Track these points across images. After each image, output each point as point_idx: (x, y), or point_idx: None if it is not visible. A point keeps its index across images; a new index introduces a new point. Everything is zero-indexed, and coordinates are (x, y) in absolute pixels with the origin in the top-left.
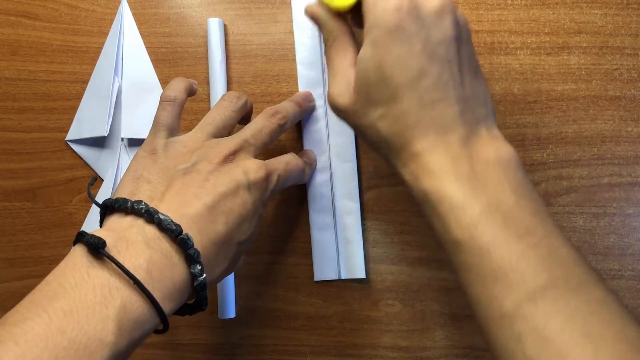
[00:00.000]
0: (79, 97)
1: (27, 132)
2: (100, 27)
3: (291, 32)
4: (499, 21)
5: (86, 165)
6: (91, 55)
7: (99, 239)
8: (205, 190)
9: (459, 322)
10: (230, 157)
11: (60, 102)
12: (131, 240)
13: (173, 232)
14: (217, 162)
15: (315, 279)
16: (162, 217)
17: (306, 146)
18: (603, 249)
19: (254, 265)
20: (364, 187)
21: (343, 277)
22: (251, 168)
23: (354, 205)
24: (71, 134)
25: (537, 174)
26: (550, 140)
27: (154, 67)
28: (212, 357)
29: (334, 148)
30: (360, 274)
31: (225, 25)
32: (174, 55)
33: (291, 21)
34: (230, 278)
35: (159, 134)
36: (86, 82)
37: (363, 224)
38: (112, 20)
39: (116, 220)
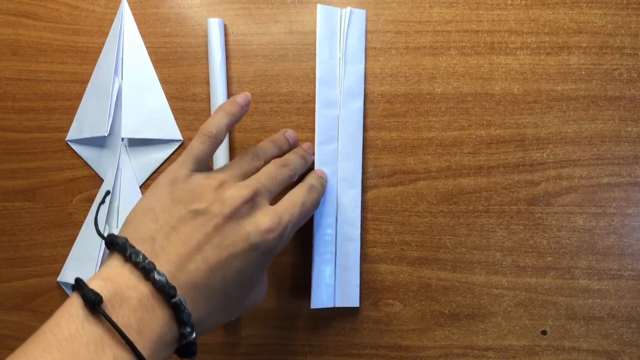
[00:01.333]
0: (79, 97)
1: (28, 132)
2: (101, 27)
3: (291, 32)
4: (499, 21)
5: (86, 165)
6: (91, 55)
7: (97, 294)
8: (211, 244)
9: (459, 322)
10: (246, 204)
11: (60, 102)
12: (126, 297)
13: (166, 295)
14: (232, 208)
15: (312, 307)
16: (157, 277)
17: (318, 166)
18: (603, 248)
19: None
20: (363, 187)
21: (338, 304)
22: (265, 225)
23: (355, 232)
24: (71, 134)
25: (537, 174)
26: (550, 140)
27: (154, 67)
28: (212, 357)
29: (342, 172)
30: (355, 302)
31: (225, 25)
32: (174, 55)
33: (291, 22)
34: None
35: (186, 165)
36: (86, 82)
37: (362, 242)
38: (112, 20)
39: (115, 267)
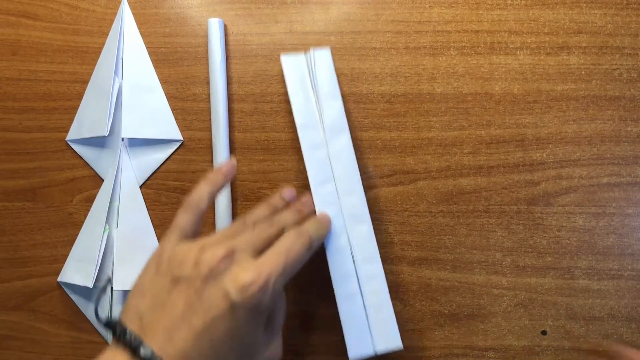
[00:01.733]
0: (79, 97)
1: (28, 132)
2: (101, 27)
3: (291, 32)
4: (498, 21)
5: (86, 165)
6: (91, 56)
7: None
8: (194, 310)
9: (459, 322)
10: (223, 262)
11: (60, 102)
12: None
13: None
14: (208, 269)
15: (351, 357)
16: (142, 352)
17: (319, 209)
18: (602, 248)
19: None
20: (363, 186)
21: (378, 350)
22: (243, 280)
23: (377, 267)
24: (72, 134)
25: (537, 174)
26: (550, 140)
27: (154, 67)
28: None
29: (346, 209)
30: (396, 342)
31: (225, 25)
32: (174, 55)
33: (291, 22)
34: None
35: (171, 237)
36: (86, 82)
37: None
38: (112, 21)
39: (111, 349)
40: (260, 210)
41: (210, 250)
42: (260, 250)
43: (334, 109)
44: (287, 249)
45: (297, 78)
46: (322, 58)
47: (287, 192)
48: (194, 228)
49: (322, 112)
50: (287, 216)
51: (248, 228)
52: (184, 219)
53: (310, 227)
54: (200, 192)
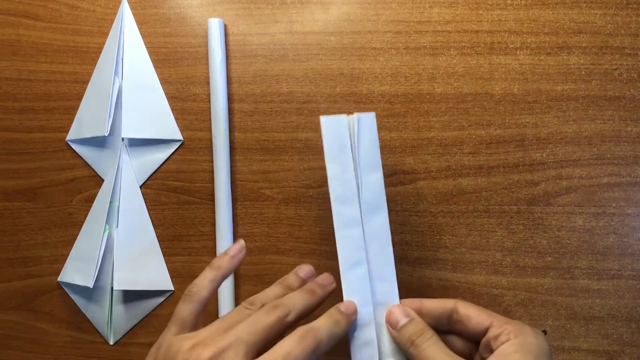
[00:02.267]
0: (79, 97)
1: (28, 132)
2: (101, 27)
3: (291, 32)
4: (498, 21)
5: (86, 165)
6: (91, 56)
7: None
8: None
9: None
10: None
11: (60, 102)
12: None
13: None
14: None
15: None
16: None
17: (347, 296)
18: (602, 248)
19: (254, 265)
20: None
21: None
22: None
23: None
24: (72, 134)
25: (537, 174)
26: (550, 140)
27: (154, 67)
28: None
29: (378, 297)
30: None
31: (225, 25)
32: (174, 55)
33: (291, 22)
34: (230, 278)
35: (170, 328)
36: (87, 82)
37: None
38: (112, 21)
39: None
40: (271, 291)
41: (199, 349)
42: (257, 347)
43: (375, 183)
44: (285, 353)
45: (336, 143)
46: (367, 124)
47: (304, 269)
48: (194, 318)
49: (361, 186)
50: (296, 299)
51: (252, 313)
52: (183, 309)
53: (322, 325)
54: (201, 280)
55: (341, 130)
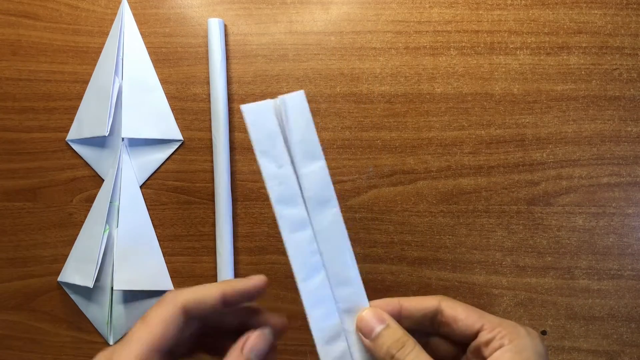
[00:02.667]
0: (79, 97)
1: (28, 132)
2: (101, 27)
3: (291, 32)
4: (498, 21)
5: (86, 165)
6: (91, 55)
7: None
8: None
9: None
10: None
11: (60, 102)
12: None
13: None
14: None
15: None
16: None
17: (308, 309)
18: (602, 248)
19: (254, 265)
20: (363, 186)
21: None
22: None
23: None
24: (72, 134)
25: (537, 174)
26: (550, 140)
27: (154, 67)
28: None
29: (342, 304)
30: None
31: (225, 25)
32: (174, 55)
33: (291, 22)
34: (230, 277)
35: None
36: (87, 82)
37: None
38: (112, 21)
39: None
40: None
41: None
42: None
43: (317, 173)
44: None
45: (265, 134)
46: (296, 106)
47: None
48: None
49: (301, 180)
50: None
51: None
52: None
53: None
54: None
55: (269, 118)
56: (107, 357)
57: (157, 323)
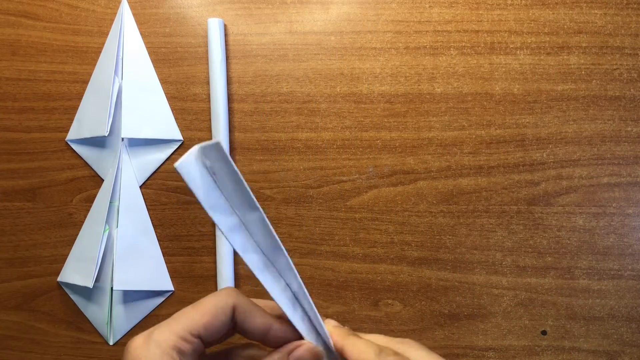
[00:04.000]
0: (79, 97)
1: (28, 132)
2: (101, 27)
3: (291, 32)
4: (499, 21)
5: (86, 165)
6: (91, 55)
7: None
8: None
9: (459, 322)
10: None
11: (60, 102)
12: None
13: None
14: None
15: None
16: None
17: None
18: (603, 248)
19: None
20: (363, 186)
21: None
22: None
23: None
24: (71, 134)
25: (537, 174)
26: (550, 140)
27: (154, 67)
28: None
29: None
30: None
31: (225, 25)
32: (174, 55)
33: (291, 22)
34: (230, 277)
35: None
36: (86, 82)
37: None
38: (112, 21)
39: None
40: None
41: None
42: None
43: (257, 222)
44: None
45: (205, 190)
46: (214, 157)
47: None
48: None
49: (248, 228)
50: None
51: None
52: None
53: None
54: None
55: (201, 172)
56: (150, 331)
57: (209, 308)
